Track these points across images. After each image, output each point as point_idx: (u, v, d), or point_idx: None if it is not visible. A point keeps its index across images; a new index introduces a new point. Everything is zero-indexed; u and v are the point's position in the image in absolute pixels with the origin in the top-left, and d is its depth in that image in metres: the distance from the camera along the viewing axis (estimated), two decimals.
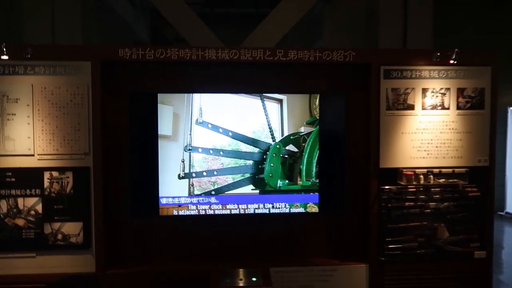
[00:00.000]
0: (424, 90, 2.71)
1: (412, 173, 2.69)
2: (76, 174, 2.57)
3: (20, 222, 2.55)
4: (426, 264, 2.75)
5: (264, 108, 2.74)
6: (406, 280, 2.75)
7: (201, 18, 3.93)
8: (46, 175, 2.55)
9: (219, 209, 2.73)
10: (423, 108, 2.72)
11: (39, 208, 2.56)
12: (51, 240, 2.57)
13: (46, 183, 2.55)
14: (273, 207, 2.76)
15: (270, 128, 2.75)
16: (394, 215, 2.73)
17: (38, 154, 2.54)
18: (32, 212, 2.56)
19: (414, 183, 2.70)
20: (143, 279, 2.63)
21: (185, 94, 2.66)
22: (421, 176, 2.70)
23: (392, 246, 2.73)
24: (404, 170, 2.69)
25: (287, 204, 2.76)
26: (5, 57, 2.39)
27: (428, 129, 2.72)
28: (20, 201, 2.55)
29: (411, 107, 2.71)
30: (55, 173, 2.56)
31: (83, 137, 2.56)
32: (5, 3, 3.62)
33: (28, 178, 2.54)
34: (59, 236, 2.58)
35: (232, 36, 4.38)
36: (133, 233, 2.75)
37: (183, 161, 2.70)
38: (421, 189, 2.73)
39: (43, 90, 2.52)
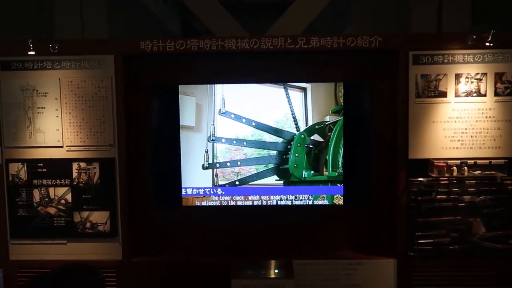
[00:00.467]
0: (458, 76, 2.53)
1: (445, 164, 2.53)
2: (102, 165, 2.64)
3: (52, 210, 2.67)
4: (459, 260, 2.59)
5: (288, 97, 2.68)
6: (437, 277, 2.60)
7: (228, 8, 3.89)
8: (75, 165, 2.64)
9: (242, 201, 2.71)
10: (457, 95, 2.54)
11: (68, 197, 2.66)
12: (80, 228, 2.67)
13: (75, 174, 2.65)
14: (296, 198, 2.70)
15: (294, 117, 2.69)
16: (424, 209, 2.58)
17: (67, 146, 2.64)
18: (63, 201, 2.67)
19: (447, 175, 2.54)
20: (165, 268, 2.68)
21: (208, 85, 2.65)
22: (454, 168, 2.53)
23: (422, 241, 2.60)
24: (436, 161, 2.54)
25: (310, 196, 2.70)
26: (31, 52, 2.48)
27: (462, 118, 2.54)
28: (51, 190, 2.66)
29: (443, 94, 2.54)
30: (82, 164, 2.64)
31: (108, 129, 2.62)
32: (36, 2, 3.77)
33: (58, 168, 2.64)
34: (88, 224, 2.67)
35: (261, 26, 4.31)
36: (157, 223, 2.80)
37: (206, 152, 2.71)
38: (454, 181, 2.56)
39: (69, 84, 2.60)
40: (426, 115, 2.55)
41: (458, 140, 2.56)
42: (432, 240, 2.59)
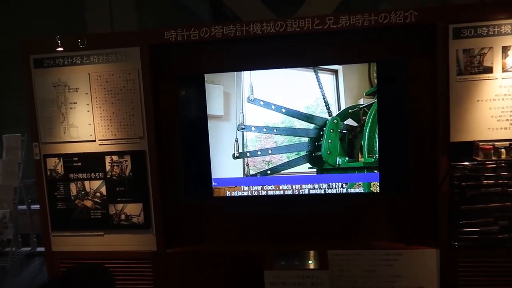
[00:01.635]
0: (505, 49, 2.29)
1: (491, 146, 2.32)
2: (133, 157, 2.67)
3: (88, 203, 2.74)
4: (509, 250, 2.39)
5: (318, 81, 2.56)
6: (484, 268, 2.42)
7: None
8: (107, 159, 2.69)
9: (273, 190, 2.65)
10: (504, 70, 2.31)
11: (103, 190, 2.72)
12: (116, 220, 2.73)
13: (108, 167, 2.69)
14: (329, 187, 2.60)
15: (325, 102, 2.57)
16: (469, 195, 2.40)
17: (99, 140, 2.68)
18: (98, 194, 2.73)
19: (494, 158, 2.34)
20: (199, 258, 2.69)
21: (235, 72, 2.58)
22: (503, 150, 2.32)
23: (467, 229, 2.42)
24: (481, 143, 2.34)
25: (345, 184, 2.59)
26: (60, 49, 2.52)
27: (511, 95, 2.32)
28: (86, 184, 2.73)
29: (489, 70, 2.32)
30: (115, 157, 2.68)
31: (138, 122, 2.63)
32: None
33: (92, 162, 2.70)
34: (122, 217, 2.72)
35: (293, 9, 4.16)
36: (189, 214, 2.81)
37: (236, 141, 2.66)
38: (503, 165, 2.35)
39: (98, 78, 2.63)
40: (470, 93, 2.35)
41: (507, 120, 2.33)
42: (478, 229, 2.41)
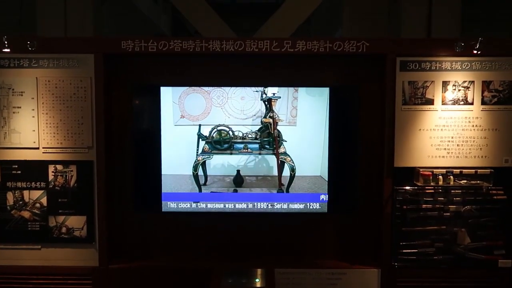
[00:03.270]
0: (445, 83, 2.49)
1: (430, 173, 2.48)
2: (79, 167, 2.55)
3: (26, 214, 2.57)
4: (444, 271, 2.54)
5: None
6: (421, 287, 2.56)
7: (222, 9, 3.83)
8: (51, 168, 2.55)
9: (222, 207, 2.64)
10: (444, 103, 2.50)
11: (44, 201, 2.57)
12: (56, 233, 2.58)
13: (51, 176, 2.55)
14: (279, 204, 2.64)
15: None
16: (409, 218, 2.54)
17: (43, 147, 2.54)
18: (37, 205, 2.57)
19: (432, 184, 2.49)
20: (144, 274, 2.60)
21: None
22: (440, 177, 2.49)
23: (406, 250, 2.55)
24: (421, 169, 2.49)
25: (297, 203, 2.64)
26: (6, 50, 2.39)
27: (449, 126, 2.50)
28: (26, 193, 2.56)
29: (430, 102, 2.50)
30: (59, 167, 2.55)
31: (87, 131, 2.53)
32: None
33: (33, 171, 2.55)
34: (63, 229, 2.58)
35: (254, 27, 4.26)
36: (136, 228, 2.72)
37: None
38: (440, 190, 2.52)
39: (47, 83, 2.51)
40: (413, 122, 2.51)
41: (444, 149, 2.52)
42: (416, 250, 2.54)
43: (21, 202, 2.57)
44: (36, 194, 2.56)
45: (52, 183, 2.56)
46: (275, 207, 2.63)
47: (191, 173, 2.62)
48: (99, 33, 3.61)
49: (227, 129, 2.60)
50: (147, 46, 2.48)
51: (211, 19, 3.72)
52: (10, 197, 2.56)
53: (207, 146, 2.62)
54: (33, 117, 2.53)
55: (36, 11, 3.45)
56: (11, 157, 2.54)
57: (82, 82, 2.51)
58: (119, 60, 2.61)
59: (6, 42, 2.38)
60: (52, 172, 2.55)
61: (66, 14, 3.45)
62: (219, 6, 4.14)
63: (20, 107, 2.52)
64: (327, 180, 2.60)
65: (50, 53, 2.50)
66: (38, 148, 2.54)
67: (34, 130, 2.53)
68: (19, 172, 2.55)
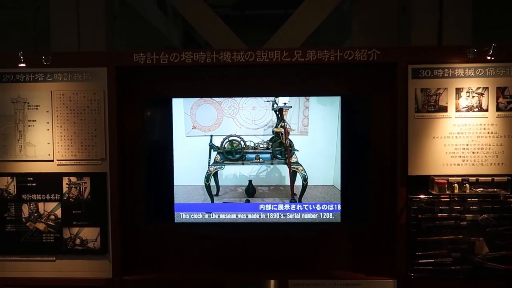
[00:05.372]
0: (458, 90, 2.46)
1: (445, 181, 2.44)
2: (93, 179, 2.57)
3: (41, 226, 2.60)
4: (461, 282, 2.48)
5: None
6: None
7: (231, 21, 3.88)
8: (65, 180, 2.58)
9: (234, 218, 2.63)
10: (457, 110, 2.47)
11: (58, 212, 2.59)
12: (70, 245, 2.60)
13: (65, 188, 2.58)
14: (284, 217, 2.62)
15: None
16: (425, 227, 2.49)
17: (57, 160, 2.57)
18: (52, 217, 2.60)
19: (448, 192, 2.45)
20: (156, 286, 2.59)
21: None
22: (456, 185, 2.44)
23: (423, 261, 2.50)
24: (436, 178, 2.45)
25: (309, 213, 2.62)
26: (22, 65, 2.45)
27: (463, 133, 2.47)
28: (40, 205, 2.59)
29: (444, 109, 2.47)
30: (73, 179, 2.58)
31: (100, 143, 2.56)
32: (31, 15, 3.76)
33: (48, 183, 2.58)
34: (77, 241, 2.60)
35: (263, 38, 4.29)
36: (149, 239, 2.72)
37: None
38: (456, 199, 2.47)
39: (61, 97, 2.55)
40: (426, 130, 2.48)
41: (459, 156, 2.48)
42: (433, 260, 2.49)
43: (36, 214, 2.59)
44: (50, 206, 2.59)
45: (66, 195, 2.58)
46: (288, 217, 2.62)
47: (203, 184, 2.63)
48: (112, 47, 3.67)
49: (239, 139, 2.61)
50: (159, 58, 2.51)
51: (221, 31, 3.76)
52: (25, 209, 2.59)
53: (219, 157, 2.62)
54: (48, 130, 2.57)
55: (50, 27, 3.53)
56: (26, 169, 2.58)
57: (96, 95, 2.55)
58: (132, 73, 2.64)
59: (22, 57, 2.43)
60: (66, 184, 2.58)
61: (79, 29, 3.52)
62: (228, 18, 4.18)
63: (35, 120, 2.57)
64: (339, 189, 2.58)
65: (64, 67, 2.55)
66: (52, 161, 2.58)
67: (49, 143, 2.57)
68: (34, 184, 2.58)
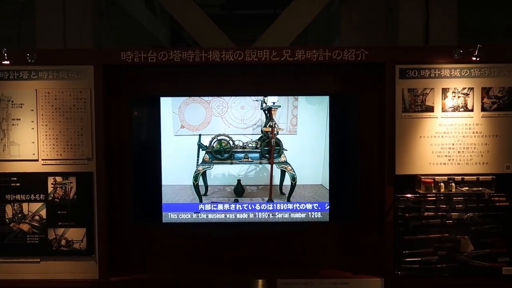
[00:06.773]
0: (445, 90, 2.49)
1: (432, 180, 2.47)
2: (79, 179, 2.53)
3: (25, 227, 2.55)
4: (447, 279, 2.52)
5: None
6: None
7: (219, 20, 3.86)
8: (50, 180, 2.53)
9: (223, 218, 2.62)
10: (444, 110, 2.50)
11: (43, 213, 2.55)
12: (55, 246, 2.55)
13: (50, 188, 2.54)
14: (280, 214, 2.62)
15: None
16: (411, 226, 2.52)
17: (42, 159, 2.53)
18: (37, 217, 2.55)
19: (434, 191, 2.48)
20: (145, 287, 2.57)
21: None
22: (442, 184, 2.47)
23: (409, 259, 2.53)
24: (423, 177, 2.48)
25: (298, 213, 2.62)
26: (6, 62, 2.39)
27: (449, 133, 2.50)
28: (25, 206, 2.54)
29: (430, 109, 2.50)
30: (58, 178, 2.53)
31: (86, 142, 2.52)
32: (17, 10, 3.68)
33: (32, 183, 2.53)
34: (63, 242, 2.55)
35: (252, 38, 4.29)
36: (137, 239, 2.69)
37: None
38: (442, 198, 2.51)
39: (46, 95, 2.51)
40: (413, 130, 2.50)
41: (446, 156, 2.51)
42: (419, 258, 2.52)
43: (20, 215, 2.54)
44: (35, 206, 2.54)
45: (52, 195, 2.54)
46: (277, 217, 2.62)
47: (192, 184, 2.61)
48: (98, 45, 3.62)
49: (228, 139, 2.60)
50: (147, 57, 2.48)
51: (210, 30, 3.74)
52: (9, 210, 2.54)
53: (207, 156, 2.61)
54: (33, 129, 2.52)
55: (35, 24, 3.47)
56: (10, 169, 2.52)
57: (82, 94, 2.51)
58: (119, 72, 2.61)
59: (5, 54, 2.38)
60: (52, 184, 2.54)
61: (65, 26, 3.46)
62: (217, 17, 4.16)
63: (19, 119, 2.51)
64: (328, 188, 2.59)
65: (49, 65, 2.50)
66: (37, 160, 2.53)
67: (33, 142, 2.52)
68: (18, 184, 2.53)
